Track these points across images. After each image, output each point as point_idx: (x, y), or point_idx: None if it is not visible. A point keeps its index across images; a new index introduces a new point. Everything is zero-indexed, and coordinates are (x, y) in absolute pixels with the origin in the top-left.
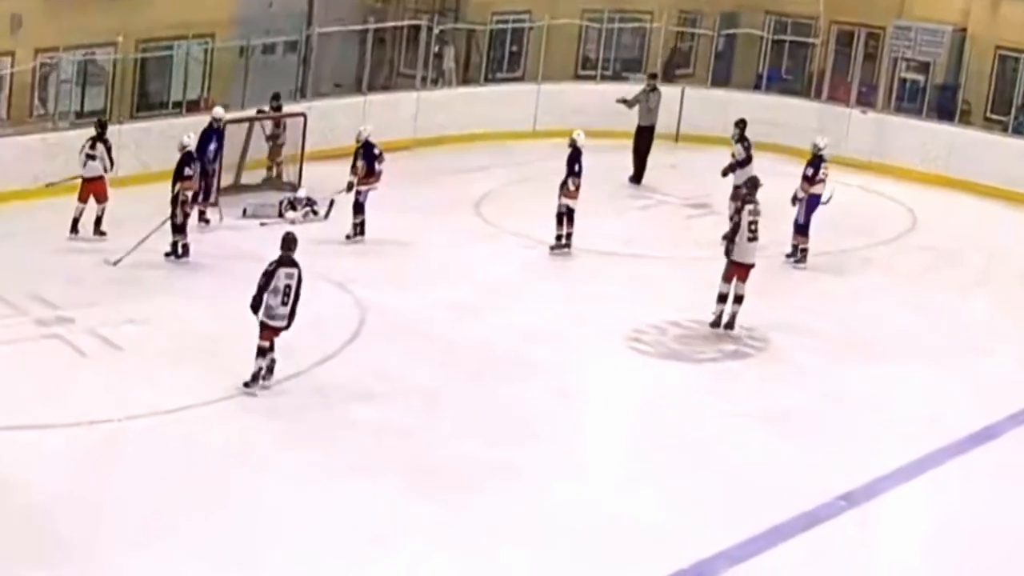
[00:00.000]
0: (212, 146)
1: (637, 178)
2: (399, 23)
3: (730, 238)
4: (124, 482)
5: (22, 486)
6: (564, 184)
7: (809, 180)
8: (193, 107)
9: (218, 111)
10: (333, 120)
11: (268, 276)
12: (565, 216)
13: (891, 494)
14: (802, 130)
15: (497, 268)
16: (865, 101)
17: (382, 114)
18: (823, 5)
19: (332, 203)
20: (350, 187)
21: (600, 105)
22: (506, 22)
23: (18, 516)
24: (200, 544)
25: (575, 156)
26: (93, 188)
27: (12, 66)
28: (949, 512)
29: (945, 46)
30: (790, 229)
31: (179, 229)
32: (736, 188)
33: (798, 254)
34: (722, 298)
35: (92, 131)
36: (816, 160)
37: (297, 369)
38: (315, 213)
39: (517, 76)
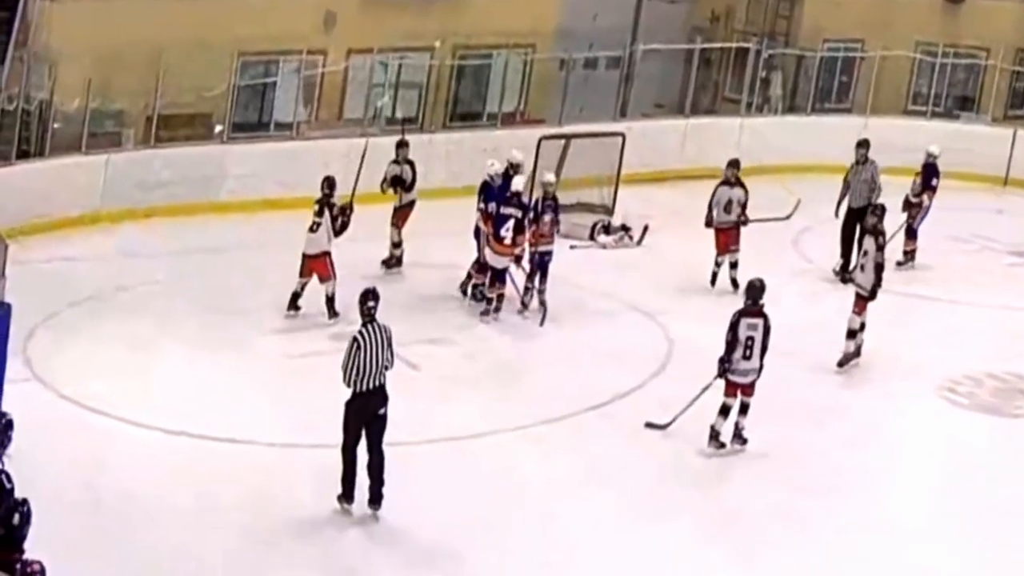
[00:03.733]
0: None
1: (844, 267)
2: (727, 45)
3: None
4: (413, 505)
5: (308, 508)
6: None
7: (934, 189)
8: (508, 120)
9: (515, 154)
10: (652, 142)
11: (732, 328)
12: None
13: None
14: None
15: (809, 307)
16: None
17: (703, 138)
18: None
19: (646, 228)
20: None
21: (929, 145)
22: (837, 50)
23: (302, 537)
24: (485, 572)
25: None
26: (313, 266)
27: (323, 66)
28: None
29: None
30: None
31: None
32: None
33: (909, 258)
34: (851, 334)
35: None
36: (936, 168)
37: (599, 401)
38: (629, 238)
39: (845, 107)
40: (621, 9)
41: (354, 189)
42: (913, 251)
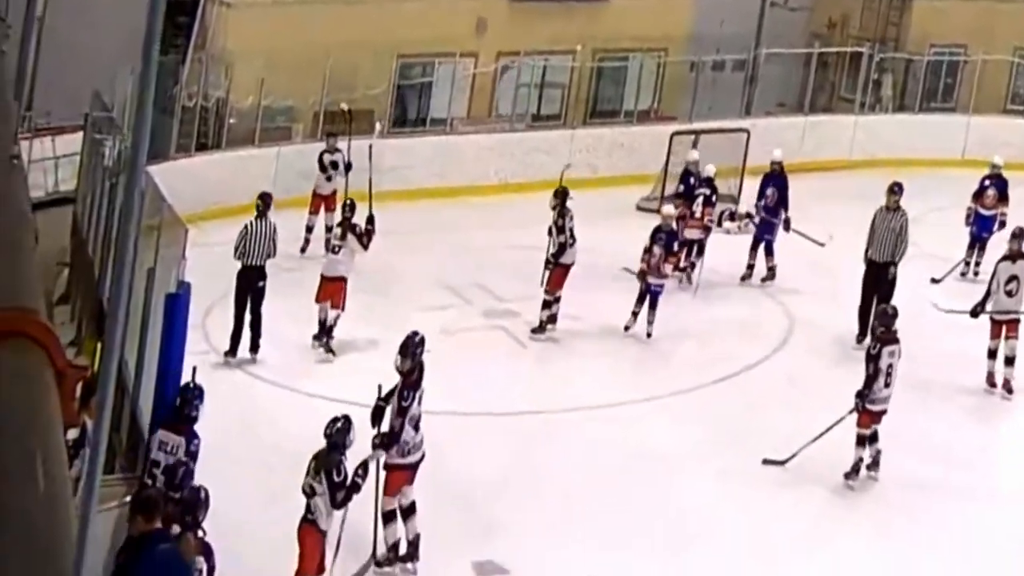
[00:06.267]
0: (768, 191)
1: (864, 332)
2: (842, 49)
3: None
4: (552, 472)
5: (459, 470)
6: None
7: (1008, 200)
8: (643, 117)
9: (776, 153)
10: (774, 137)
11: (875, 360)
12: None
13: None
14: None
15: (920, 290)
16: None
17: (820, 134)
18: None
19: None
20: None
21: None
22: (943, 55)
23: (454, 497)
24: (616, 537)
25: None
26: (330, 289)
27: (475, 67)
28: None
29: None
30: None
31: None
32: None
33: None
34: (991, 354)
35: None
36: (1005, 180)
37: (727, 373)
38: (754, 225)
39: (949, 107)
40: (746, 17)
41: (370, 193)
42: (978, 263)
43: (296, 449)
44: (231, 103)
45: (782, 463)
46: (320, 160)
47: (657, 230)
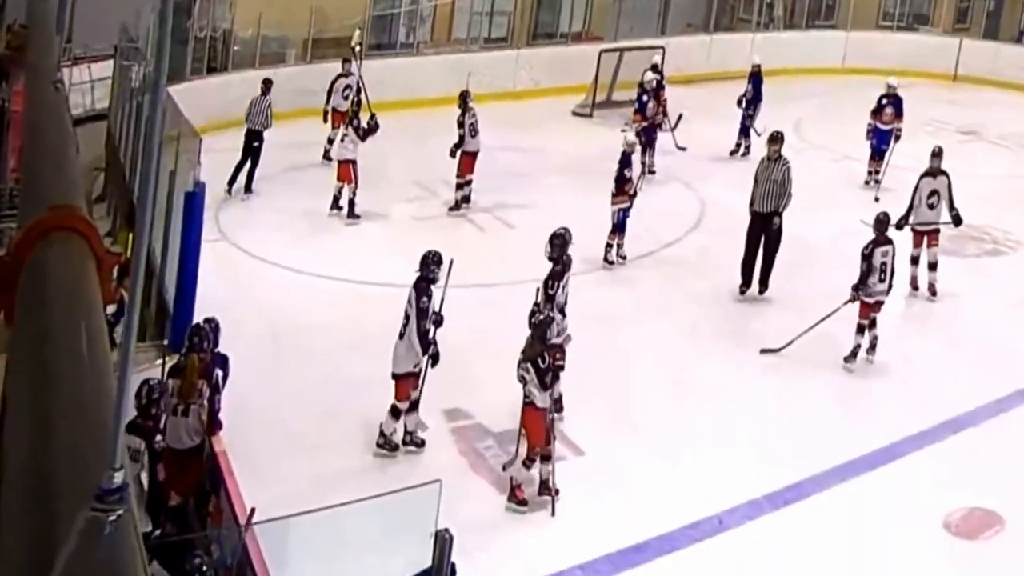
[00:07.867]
0: (748, 86)
1: (748, 283)
2: None
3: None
4: (511, 333)
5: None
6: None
7: (902, 116)
8: (576, 37)
9: (755, 58)
10: (685, 53)
11: (867, 258)
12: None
13: None
14: None
15: (807, 177)
16: None
17: (723, 50)
18: None
19: (680, 117)
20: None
21: (896, 51)
22: None
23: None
24: (570, 387)
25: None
26: (341, 169)
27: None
28: None
29: None
30: None
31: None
32: None
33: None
34: (914, 260)
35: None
36: (901, 99)
37: (649, 250)
38: (668, 125)
39: (831, 24)
40: None
41: (367, 99)
42: (878, 171)
43: (301, 322)
44: (235, 33)
45: (777, 351)
46: (334, 82)
47: (625, 156)
